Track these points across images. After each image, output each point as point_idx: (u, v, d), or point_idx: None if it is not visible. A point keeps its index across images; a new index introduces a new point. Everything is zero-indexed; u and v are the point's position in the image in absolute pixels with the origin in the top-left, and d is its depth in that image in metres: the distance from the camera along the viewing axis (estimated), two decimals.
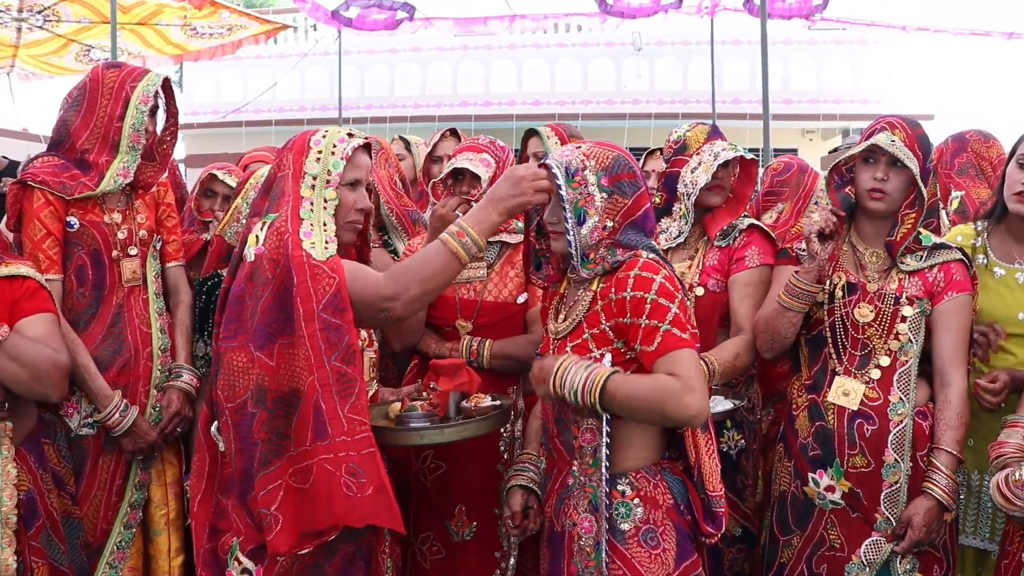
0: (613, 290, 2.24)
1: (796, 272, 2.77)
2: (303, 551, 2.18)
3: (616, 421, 2.25)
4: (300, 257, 2.23)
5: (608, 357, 2.24)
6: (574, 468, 2.34)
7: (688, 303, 2.28)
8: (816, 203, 3.63)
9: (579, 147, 2.33)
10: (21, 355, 2.52)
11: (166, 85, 3.08)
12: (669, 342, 2.17)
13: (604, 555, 2.23)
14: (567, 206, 2.26)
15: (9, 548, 2.55)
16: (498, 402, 2.58)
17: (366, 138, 2.52)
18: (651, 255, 2.27)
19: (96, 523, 2.95)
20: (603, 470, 2.24)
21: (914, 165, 2.65)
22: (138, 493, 3.04)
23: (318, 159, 2.38)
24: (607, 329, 2.26)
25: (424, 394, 2.60)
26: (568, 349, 2.31)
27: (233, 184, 3.71)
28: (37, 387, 2.58)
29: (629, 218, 2.30)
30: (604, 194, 2.27)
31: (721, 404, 2.79)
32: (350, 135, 2.43)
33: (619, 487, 2.28)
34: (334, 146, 2.39)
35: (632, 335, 2.22)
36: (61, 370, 2.61)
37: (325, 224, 2.34)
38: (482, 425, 2.49)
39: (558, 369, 2.21)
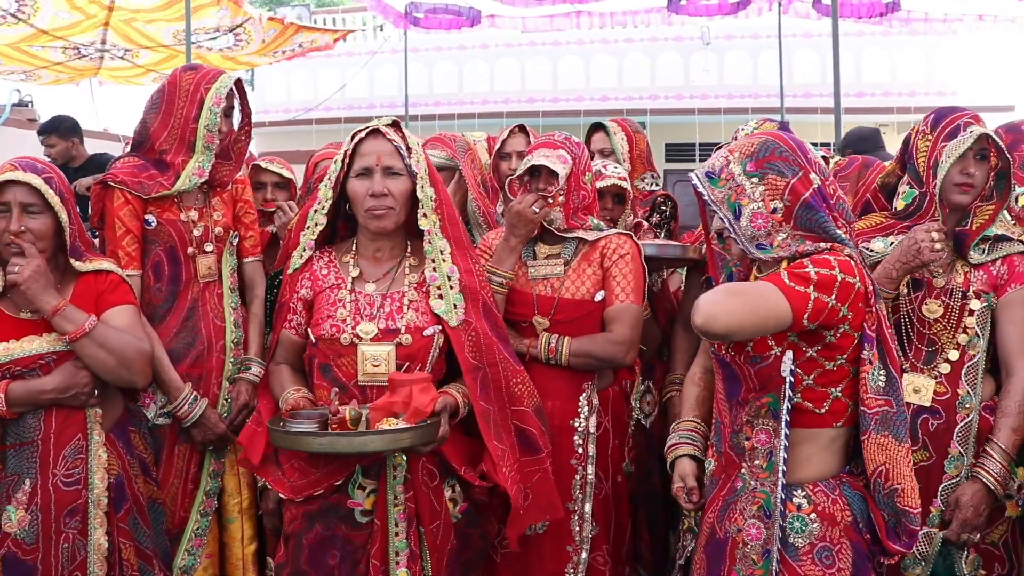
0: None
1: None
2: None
3: (796, 430, 2.14)
4: (287, 269, 2.80)
5: (789, 354, 2.13)
6: (743, 471, 2.26)
7: (872, 300, 2.15)
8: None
9: (728, 144, 2.28)
10: (108, 342, 2.63)
11: (238, 85, 3.16)
12: (773, 277, 2.09)
13: (775, 564, 2.12)
14: (718, 207, 2.21)
15: (101, 528, 2.65)
16: (398, 427, 2.41)
17: (371, 126, 2.69)
18: (848, 252, 2.15)
19: (174, 511, 3.03)
20: (780, 473, 2.13)
21: (1008, 156, 2.65)
22: (213, 482, 3.12)
23: (336, 160, 2.68)
24: None
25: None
26: (750, 344, 2.19)
27: (277, 171, 3.96)
28: (124, 373, 2.68)
29: (799, 197, 2.16)
30: (754, 179, 2.18)
31: None
32: (355, 133, 2.67)
33: (795, 500, 2.16)
34: (343, 147, 2.67)
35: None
36: (145, 357, 2.72)
37: (317, 224, 2.71)
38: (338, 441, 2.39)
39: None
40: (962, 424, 2.67)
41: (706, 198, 2.22)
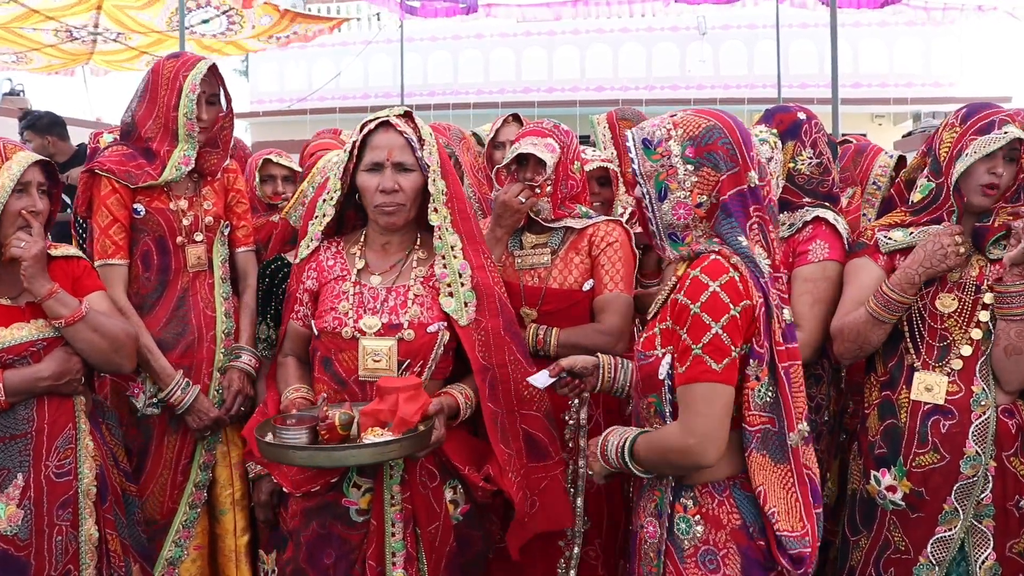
0: (679, 287, 2.06)
1: (891, 284, 2.65)
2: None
3: None
4: (295, 258, 2.72)
5: (668, 358, 2.07)
6: None
7: (757, 313, 2.02)
8: (876, 186, 3.52)
9: (674, 115, 2.13)
10: (100, 326, 2.62)
11: (214, 71, 3.10)
12: (693, 372, 1.99)
13: (662, 561, 2.11)
14: (644, 181, 2.11)
15: (91, 519, 2.63)
16: (384, 439, 2.30)
17: (382, 117, 2.59)
18: (736, 257, 2.04)
19: (162, 502, 3.02)
20: (668, 477, 2.12)
21: None
22: (203, 473, 3.10)
23: (344, 151, 2.61)
24: (668, 328, 2.08)
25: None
26: (642, 339, 2.18)
27: (287, 164, 4.02)
28: (115, 357, 2.67)
29: (725, 195, 2.06)
30: (690, 166, 2.05)
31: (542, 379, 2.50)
32: (365, 123, 2.58)
33: (682, 500, 2.11)
34: (351, 138, 2.58)
35: (676, 346, 2.05)
36: (134, 341, 2.73)
37: (324, 215, 2.65)
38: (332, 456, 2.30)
39: (601, 445, 2.24)
40: (978, 422, 2.57)
41: (635, 166, 2.12)
